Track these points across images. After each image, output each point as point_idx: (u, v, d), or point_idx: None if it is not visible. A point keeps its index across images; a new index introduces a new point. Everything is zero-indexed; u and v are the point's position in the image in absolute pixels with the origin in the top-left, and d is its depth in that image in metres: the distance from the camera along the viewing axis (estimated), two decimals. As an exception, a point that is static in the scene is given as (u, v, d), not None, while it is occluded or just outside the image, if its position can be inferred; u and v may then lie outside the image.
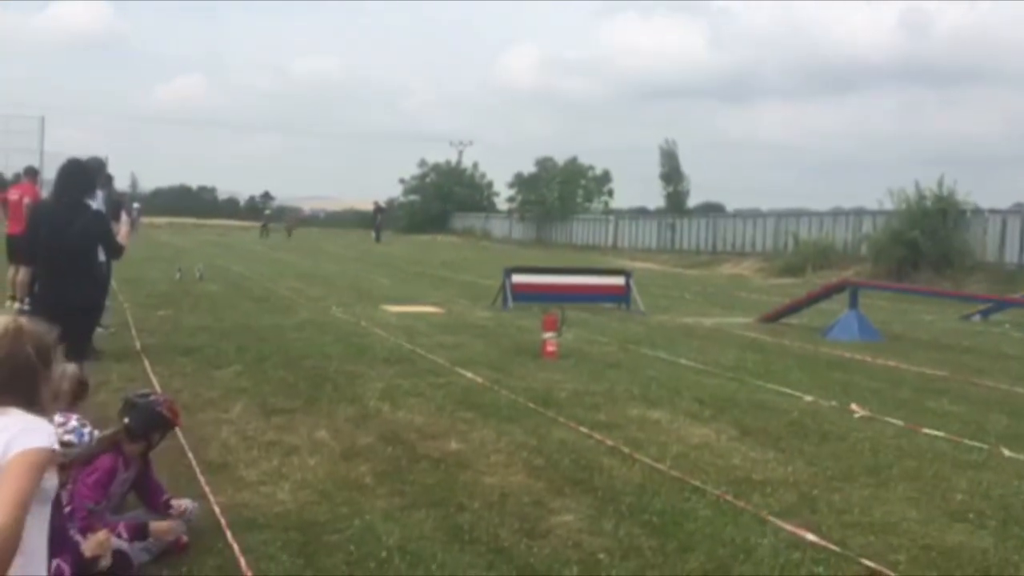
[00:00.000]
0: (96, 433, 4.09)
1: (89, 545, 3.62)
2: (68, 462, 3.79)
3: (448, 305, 16.15)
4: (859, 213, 33.13)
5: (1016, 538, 4.74)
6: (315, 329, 11.92)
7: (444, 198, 65.63)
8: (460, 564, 4.13)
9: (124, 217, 8.91)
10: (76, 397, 4.19)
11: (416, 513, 4.78)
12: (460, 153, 70.36)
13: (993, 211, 27.68)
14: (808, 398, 8.36)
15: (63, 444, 3.72)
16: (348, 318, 13.36)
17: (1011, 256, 26.55)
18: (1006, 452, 6.54)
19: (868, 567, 4.22)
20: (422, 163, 69.23)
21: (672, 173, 50.13)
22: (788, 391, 8.68)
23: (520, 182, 58.14)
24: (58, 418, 3.83)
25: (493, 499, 5.06)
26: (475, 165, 70.23)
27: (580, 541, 4.46)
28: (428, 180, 68.44)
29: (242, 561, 4.03)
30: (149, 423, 4.32)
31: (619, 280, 17.33)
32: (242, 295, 16.68)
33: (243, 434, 6.33)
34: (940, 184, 27.36)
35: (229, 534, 4.33)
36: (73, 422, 3.94)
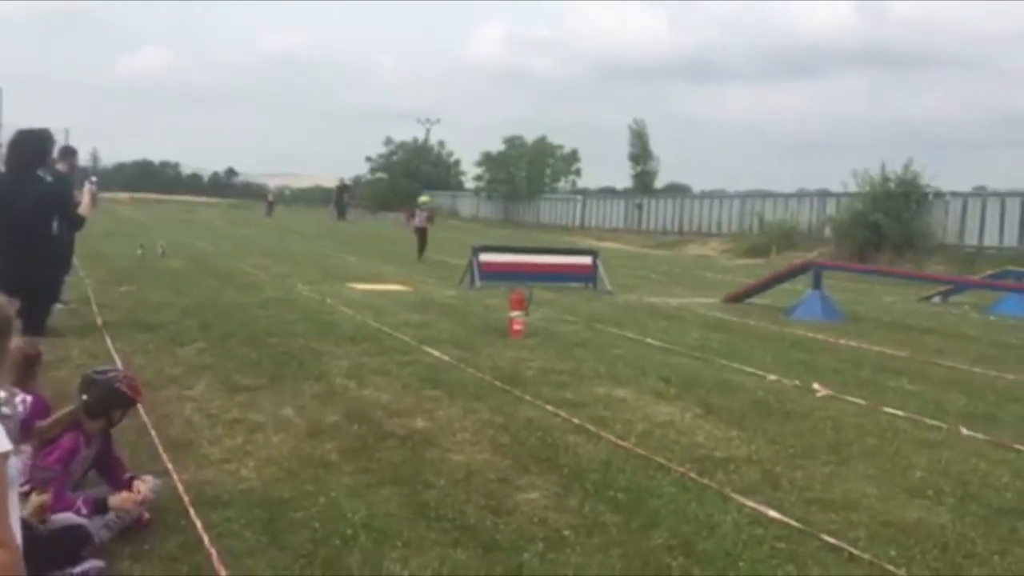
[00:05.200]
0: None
1: (28, 507, 3.52)
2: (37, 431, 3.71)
3: (415, 283, 16.10)
4: (823, 195, 33.47)
5: (973, 514, 4.83)
6: (280, 306, 11.83)
7: (411, 176, 65.27)
8: (426, 541, 4.13)
9: (87, 186, 8.76)
10: (25, 371, 4.11)
11: (382, 490, 4.77)
12: (427, 131, 70.01)
13: (954, 194, 28.10)
14: (771, 377, 8.45)
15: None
16: (314, 296, 13.27)
17: (971, 238, 26.99)
18: (964, 431, 6.65)
19: (829, 543, 4.28)
20: (388, 141, 68.86)
21: (641, 153, 50.23)
22: (752, 370, 8.76)
23: (488, 161, 57.97)
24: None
25: (459, 476, 5.06)
26: (442, 143, 69.94)
27: (545, 518, 4.48)
28: (395, 158, 68.00)
29: (205, 538, 3.99)
30: (108, 400, 4.25)
31: (586, 260, 17.38)
32: (206, 272, 16.49)
33: (206, 411, 6.27)
34: (907, 168, 27.69)
35: (192, 511, 4.29)
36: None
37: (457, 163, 68.71)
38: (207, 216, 45.65)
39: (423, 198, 26.25)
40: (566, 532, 4.30)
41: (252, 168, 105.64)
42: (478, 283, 15.73)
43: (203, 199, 70.12)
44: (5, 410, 3.64)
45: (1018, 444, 6.32)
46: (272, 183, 78.09)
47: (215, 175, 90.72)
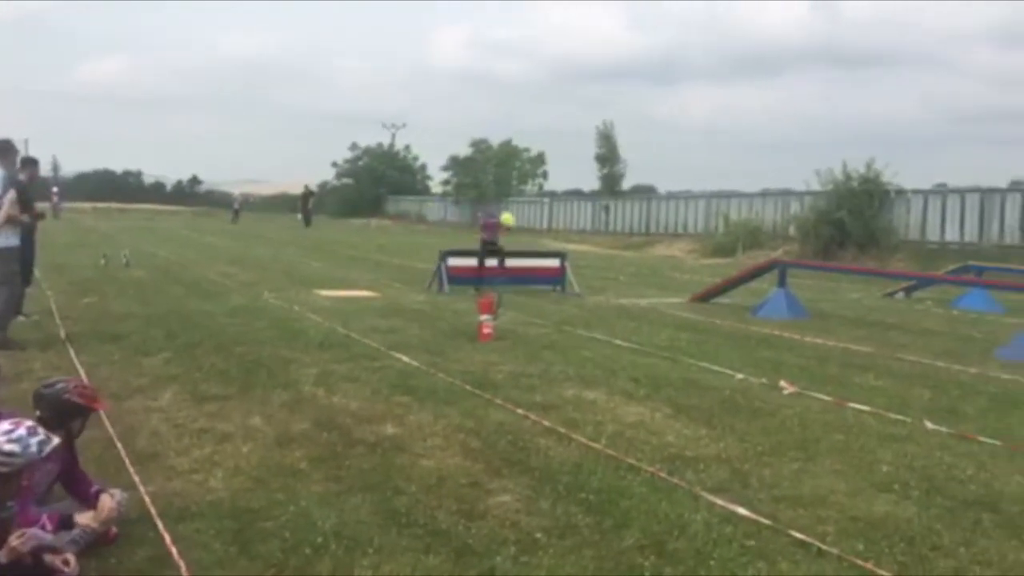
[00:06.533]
0: (51, 441, 3.70)
1: (3, 551, 3.47)
2: (11, 472, 3.55)
3: (383, 289, 16.04)
4: (787, 194, 33.79)
5: (938, 507, 4.90)
6: (247, 314, 11.73)
7: (378, 181, 65.03)
8: (397, 547, 4.12)
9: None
10: None
11: (352, 498, 4.75)
12: (393, 136, 69.81)
13: (915, 191, 28.49)
14: (739, 376, 8.52)
15: (4, 454, 3.56)
16: (281, 303, 13.17)
17: (932, 235, 27.39)
18: (929, 425, 6.75)
19: (798, 539, 4.33)
20: (354, 146, 68.53)
21: (609, 155, 50.34)
22: (720, 369, 8.83)
23: (455, 165, 57.89)
24: (5, 424, 3.63)
25: (430, 482, 5.05)
26: (408, 148, 69.78)
27: (517, 521, 4.49)
28: (361, 163, 67.72)
29: (173, 551, 3.95)
30: (61, 412, 4.19)
31: (554, 262, 17.41)
32: (171, 281, 16.31)
33: (173, 422, 6.21)
34: (869, 166, 28.04)
35: (160, 524, 4.24)
36: (21, 430, 3.61)
37: (424, 168, 68.61)
38: (171, 225, 45.15)
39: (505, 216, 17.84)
40: (538, 535, 4.31)
41: (216, 176, 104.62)
42: (446, 288, 15.71)
43: (167, 208, 69.31)
44: (10, 447, 3.54)
45: (981, 437, 6.42)
46: (237, 190, 77.29)
47: (178, 183, 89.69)
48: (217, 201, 74.35)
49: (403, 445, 5.79)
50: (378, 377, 7.89)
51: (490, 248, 16.48)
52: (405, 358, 8.83)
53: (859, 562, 4.08)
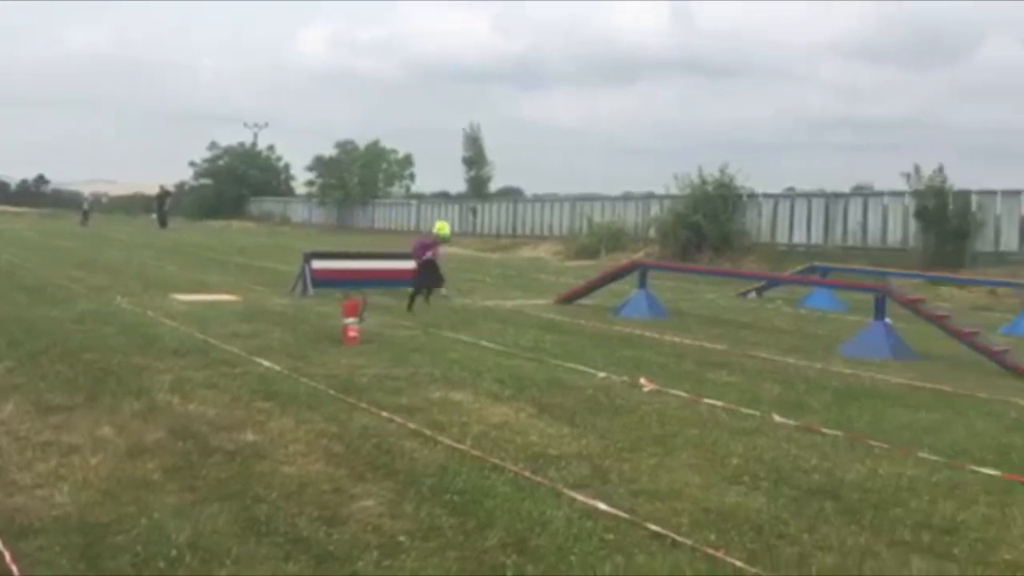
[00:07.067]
0: None
1: None
2: None
3: (245, 292, 15.60)
4: (647, 197, 34.79)
5: (785, 496, 5.16)
6: (97, 320, 11.19)
7: (239, 182, 63.23)
8: (256, 557, 4.02)
9: None
10: None
11: (208, 508, 4.61)
12: (255, 135, 68.00)
13: (767, 195, 29.86)
14: (601, 374, 8.72)
15: None
16: (134, 308, 12.62)
17: (782, 237, 28.77)
18: (777, 418, 7.10)
19: (654, 531, 4.47)
20: (213, 145, 66.42)
21: (476, 157, 50.54)
22: (583, 368, 9.02)
23: (320, 165, 56.90)
24: None
25: (291, 489, 4.96)
26: (271, 148, 68.16)
27: (380, 525, 4.46)
28: (221, 163, 65.70)
29: (14, 569, 3.74)
30: None
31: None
32: (14, 286, 15.38)
33: (15, 435, 5.86)
34: (723, 171, 29.22)
35: (0, 542, 4.00)
36: None
37: (287, 168, 67.15)
38: (15, 227, 42.53)
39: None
40: (401, 538, 4.29)
41: (65, 175, 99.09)
42: (310, 290, 15.43)
43: (11, 209, 65.28)
44: None
45: (825, 428, 6.81)
46: (87, 190, 73.60)
47: (23, 183, 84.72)
48: (66, 201, 70.74)
49: (263, 452, 5.66)
50: (238, 383, 7.68)
51: (428, 269, 13.78)
52: (267, 363, 8.63)
53: (711, 551, 4.25)
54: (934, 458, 6.05)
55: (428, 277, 13.77)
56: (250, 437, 5.99)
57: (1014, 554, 4.39)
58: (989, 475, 5.71)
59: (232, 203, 61.48)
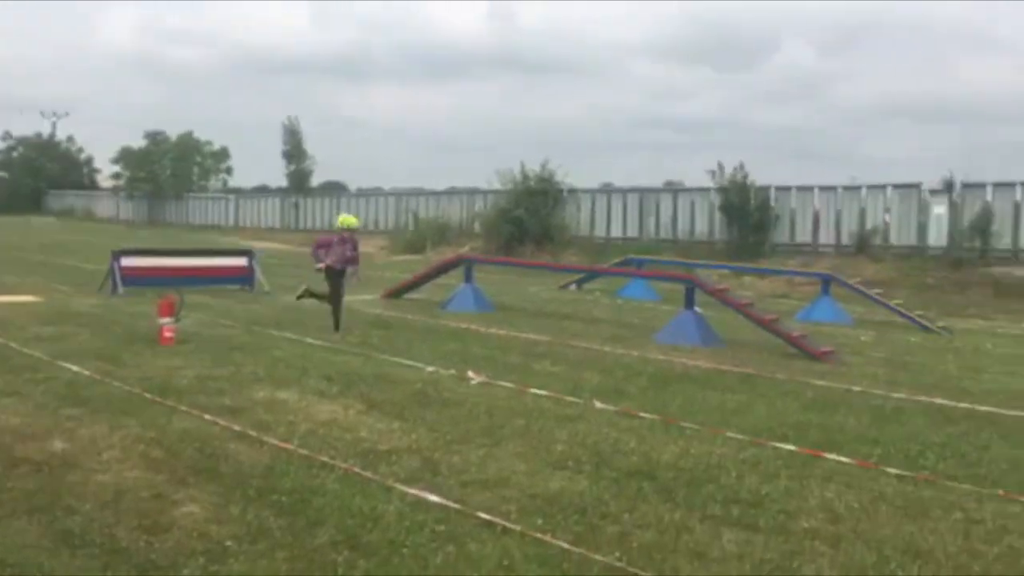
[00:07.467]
0: None
1: None
2: None
3: (47, 293, 14.62)
4: (472, 192, 35.14)
5: (607, 479, 5.40)
6: None
7: (35, 175, 59.02)
8: (71, 570, 3.83)
9: None
10: None
11: (16, 522, 4.33)
12: (54, 125, 63.65)
13: (585, 191, 30.82)
14: (430, 368, 8.79)
15: None
16: (-81, 312, 11.58)
17: (600, 230, 29.80)
18: (598, 404, 7.40)
19: (484, 519, 4.58)
20: (6, 135, 61.79)
21: (295, 151, 49.37)
22: (411, 363, 9.05)
23: (127, 157, 53.86)
24: None
25: (107, 498, 4.73)
26: (71, 139, 64.02)
27: (206, 531, 4.33)
28: (16, 155, 61.13)
29: None
30: None
31: (241, 261, 16.86)
32: None
33: None
34: (544, 167, 29.90)
35: None
36: None
37: (91, 160, 63.28)
38: None
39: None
40: (228, 542, 4.19)
41: None
42: (120, 290, 14.66)
43: None
44: None
45: (642, 412, 7.15)
46: None
47: None
48: None
49: (74, 461, 5.36)
50: (42, 390, 7.22)
51: (338, 276, 11.91)
52: (75, 367, 8.15)
53: (538, 535, 4.40)
54: (740, 437, 6.48)
55: (340, 285, 11.85)
56: (59, 446, 5.67)
57: (812, 523, 4.78)
58: (789, 451, 6.18)
59: (28, 198, 57.32)
